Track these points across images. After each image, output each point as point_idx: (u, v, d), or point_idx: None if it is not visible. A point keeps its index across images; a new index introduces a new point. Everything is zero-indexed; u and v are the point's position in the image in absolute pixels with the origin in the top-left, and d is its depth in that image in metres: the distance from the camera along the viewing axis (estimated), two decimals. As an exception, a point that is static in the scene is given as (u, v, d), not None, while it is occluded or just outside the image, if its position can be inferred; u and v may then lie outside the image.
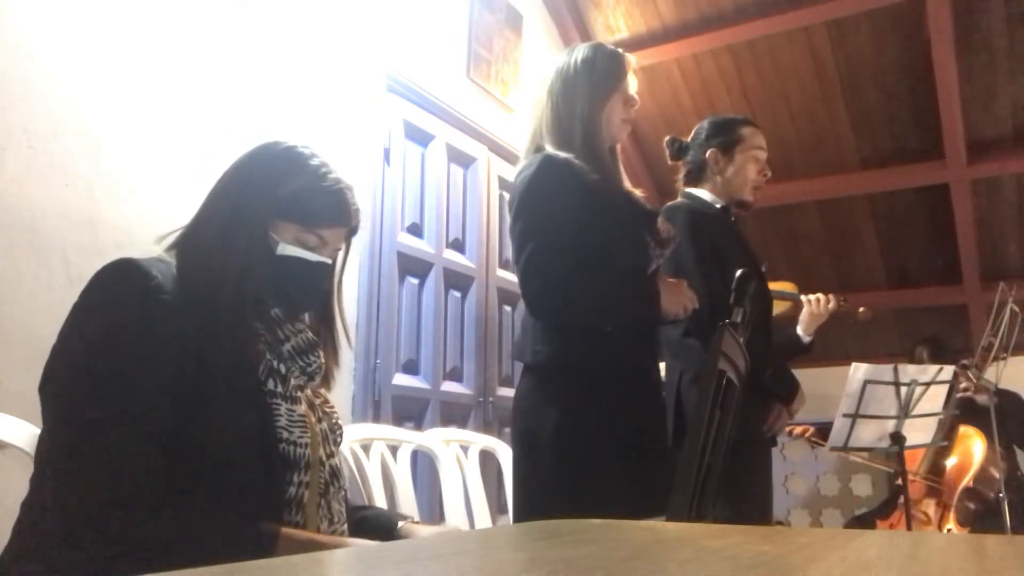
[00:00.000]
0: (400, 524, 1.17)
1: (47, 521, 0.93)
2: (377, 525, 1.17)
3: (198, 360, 0.99)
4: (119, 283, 1.00)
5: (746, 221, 2.25)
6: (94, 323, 0.98)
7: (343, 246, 1.19)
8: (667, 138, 2.20)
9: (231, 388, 1.00)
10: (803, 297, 2.41)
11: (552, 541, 0.66)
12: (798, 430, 3.62)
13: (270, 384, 1.04)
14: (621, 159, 1.81)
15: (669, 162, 2.22)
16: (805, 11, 3.62)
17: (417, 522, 1.21)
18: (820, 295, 2.39)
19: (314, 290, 1.16)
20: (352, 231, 1.18)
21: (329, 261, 1.16)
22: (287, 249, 1.10)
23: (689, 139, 2.18)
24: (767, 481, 2.06)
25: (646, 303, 1.63)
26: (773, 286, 2.57)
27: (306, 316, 1.21)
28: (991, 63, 3.61)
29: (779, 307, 2.56)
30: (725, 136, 2.11)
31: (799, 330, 2.35)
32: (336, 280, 1.21)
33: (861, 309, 2.60)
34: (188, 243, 1.09)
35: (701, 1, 3.81)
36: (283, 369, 1.07)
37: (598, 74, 1.68)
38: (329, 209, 1.12)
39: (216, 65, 2.22)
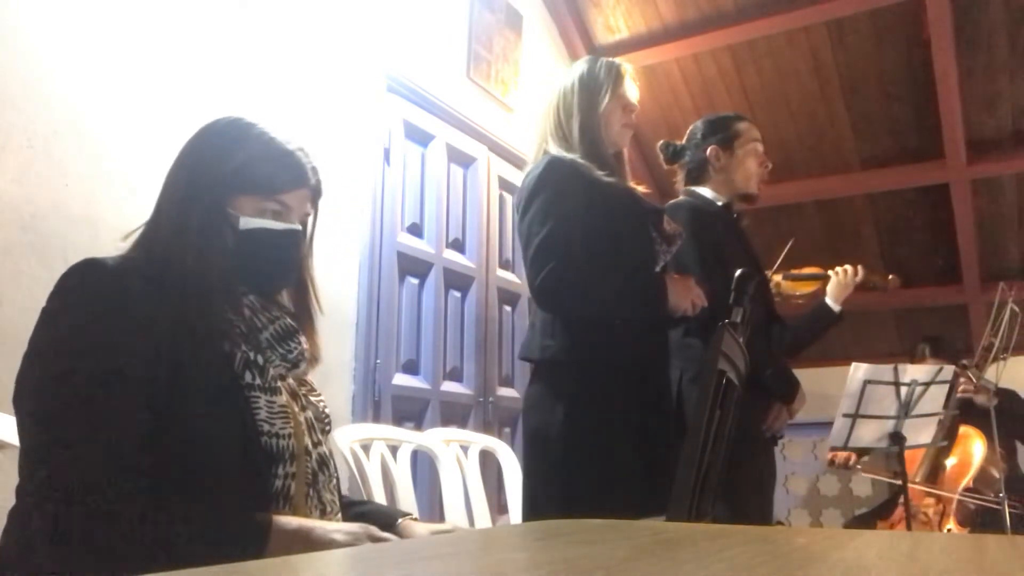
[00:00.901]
0: (399, 521, 1.15)
1: (33, 529, 0.92)
2: (375, 521, 1.16)
3: (171, 357, 0.96)
4: (83, 285, 0.97)
5: (747, 220, 2.26)
6: (62, 327, 0.96)
7: (311, 211, 1.14)
8: (660, 143, 2.21)
9: (207, 384, 0.98)
10: (830, 272, 2.45)
11: (552, 541, 0.66)
12: (840, 458, 3.43)
13: (247, 377, 1.01)
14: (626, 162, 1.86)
15: (665, 166, 2.24)
16: (805, 11, 3.62)
17: (416, 519, 1.18)
18: (848, 266, 2.41)
19: (287, 259, 1.11)
20: (315, 192, 1.14)
21: (298, 227, 1.11)
22: (250, 223, 1.06)
23: (683, 141, 2.19)
24: (767, 481, 2.06)
25: (653, 300, 1.65)
26: (801, 270, 2.61)
27: (285, 300, 1.17)
28: (991, 63, 3.61)
29: (809, 287, 2.59)
30: (723, 133, 2.12)
31: (828, 300, 2.37)
32: (307, 248, 1.17)
33: (891, 276, 2.63)
34: (149, 236, 1.06)
35: (701, 1, 3.81)
36: (261, 360, 1.04)
37: (595, 81, 1.76)
38: (283, 172, 1.08)
39: (216, 65, 2.22)
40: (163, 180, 1.11)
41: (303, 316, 1.17)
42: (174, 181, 1.09)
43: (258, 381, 1.02)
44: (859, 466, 3.44)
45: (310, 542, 0.93)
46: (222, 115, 1.14)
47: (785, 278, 2.62)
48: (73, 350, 0.94)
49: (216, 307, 1.03)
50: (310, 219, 1.16)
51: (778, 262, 2.60)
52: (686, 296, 1.67)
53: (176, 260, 1.02)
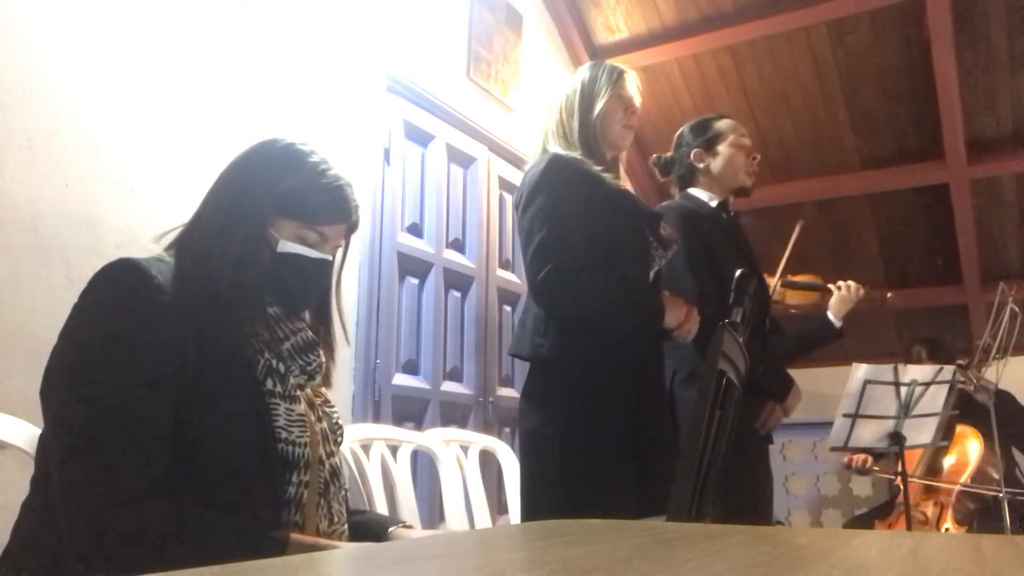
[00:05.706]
0: (391, 529, 1.17)
1: (50, 522, 0.92)
2: (367, 530, 1.17)
3: (197, 360, 0.98)
4: (119, 284, 0.99)
5: (749, 218, 2.26)
6: (94, 324, 0.97)
7: (343, 243, 1.19)
8: (653, 157, 2.27)
9: (229, 388, 1.00)
10: (831, 285, 2.45)
11: (552, 541, 0.66)
12: (858, 460, 3.40)
13: (268, 383, 1.04)
14: (623, 165, 1.89)
15: (660, 179, 2.29)
16: (805, 11, 3.62)
17: (409, 526, 1.20)
18: (851, 282, 2.42)
19: (315, 287, 1.16)
20: (352, 227, 1.18)
21: (330, 258, 1.16)
22: (288, 246, 1.10)
23: (672, 151, 2.22)
24: (764, 480, 2.06)
25: (650, 317, 1.67)
26: (798, 278, 2.60)
27: (306, 315, 1.20)
28: (991, 63, 3.61)
29: (807, 297, 2.58)
30: (704, 135, 2.17)
31: (830, 314, 2.38)
32: (335, 278, 1.21)
33: (889, 295, 2.64)
34: (187, 242, 1.09)
35: (701, 1, 3.81)
36: (282, 368, 1.07)
37: (595, 82, 1.80)
38: (329, 206, 1.12)
39: (216, 65, 2.22)
40: (208, 188, 1.13)
41: (324, 343, 1.20)
42: (222, 192, 1.12)
43: (278, 388, 1.05)
44: (876, 468, 3.44)
45: None
46: (278, 136, 1.17)
47: (784, 285, 2.61)
48: (103, 354, 0.95)
49: (242, 315, 1.05)
50: (339, 250, 1.20)
51: (779, 271, 2.58)
52: (681, 321, 1.68)
53: (213, 268, 1.04)
